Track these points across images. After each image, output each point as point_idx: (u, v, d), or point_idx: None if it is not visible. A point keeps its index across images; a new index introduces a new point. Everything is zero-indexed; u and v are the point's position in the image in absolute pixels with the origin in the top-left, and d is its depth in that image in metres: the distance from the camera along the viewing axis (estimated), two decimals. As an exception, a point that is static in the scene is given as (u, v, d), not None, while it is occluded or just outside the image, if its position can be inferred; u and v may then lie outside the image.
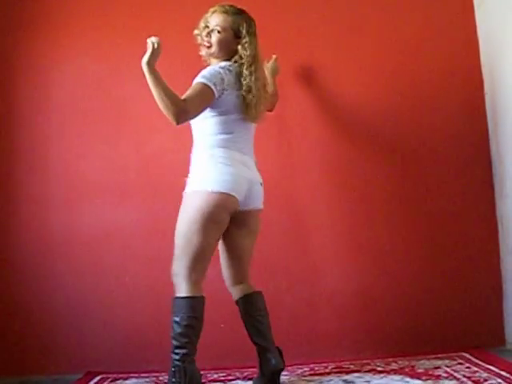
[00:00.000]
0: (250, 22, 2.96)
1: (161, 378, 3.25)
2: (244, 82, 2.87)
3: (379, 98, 3.67)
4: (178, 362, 2.72)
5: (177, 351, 2.73)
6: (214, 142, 2.87)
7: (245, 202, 2.89)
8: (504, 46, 3.46)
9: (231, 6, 2.96)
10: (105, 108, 3.63)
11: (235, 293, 3.00)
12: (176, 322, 2.75)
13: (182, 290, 2.78)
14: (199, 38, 2.98)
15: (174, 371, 2.72)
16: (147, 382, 3.21)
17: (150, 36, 2.78)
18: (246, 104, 2.88)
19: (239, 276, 2.99)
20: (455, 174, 3.64)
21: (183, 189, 3.50)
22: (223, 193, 2.78)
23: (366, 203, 3.61)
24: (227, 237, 2.96)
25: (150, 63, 2.71)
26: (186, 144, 3.54)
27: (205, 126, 2.90)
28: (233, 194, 2.81)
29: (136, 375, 3.32)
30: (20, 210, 3.56)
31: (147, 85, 3.55)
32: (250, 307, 2.95)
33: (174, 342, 2.74)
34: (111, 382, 3.23)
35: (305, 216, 3.52)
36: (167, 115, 2.70)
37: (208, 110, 2.84)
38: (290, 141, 3.58)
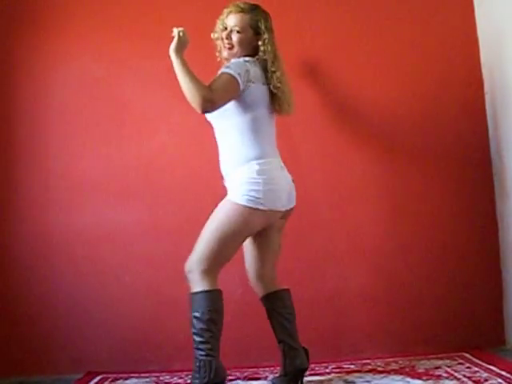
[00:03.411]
0: (266, 16, 2.96)
1: (161, 378, 3.25)
2: (275, 76, 2.88)
3: (378, 97, 3.66)
4: (203, 357, 2.67)
5: (201, 347, 2.68)
6: (256, 148, 2.83)
7: (286, 205, 2.90)
8: (504, 46, 3.46)
9: (245, 3, 2.95)
10: (105, 108, 3.62)
11: (261, 289, 2.96)
12: (196, 318, 2.70)
13: (199, 284, 2.73)
14: (219, 41, 2.98)
15: (198, 366, 2.67)
16: (147, 382, 3.21)
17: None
18: (278, 98, 2.89)
19: (266, 271, 2.96)
20: (455, 174, 3.64)
21: (183, 189, 3.54)
22: (275, 210, 2.81)
23: (364, 203, 3.60)
24: (262, 235, 2.93)
25: (177, 51, 2.73)
26: (186, 144, 3.58)
27: (238, 124, 2.85)
28: (283, 209, 2.85)
29: (136, 375, 3.32)
30: (20, 210, 3.56)
31: (147, 85, 3.60)
32: (278, 305, 2.92)
33: (197, 338, 2.69)
34: (111, 381, 3.23)
35: (304, 216, 3.52)
36: (192, 104, 2.69)
37: (234, 104, 2.81)
38: (292, 141, 3.58)
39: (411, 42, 3.69)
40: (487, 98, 3.65)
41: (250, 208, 2.75)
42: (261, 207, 2.76)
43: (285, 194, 2.86)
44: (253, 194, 2.76)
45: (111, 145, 3.61)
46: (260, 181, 2.78)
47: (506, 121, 3.47)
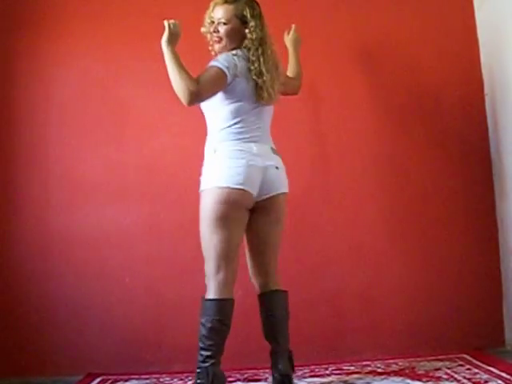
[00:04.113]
0: (252, 4, 2.92)
1: (161, 380, 3.26)
2: (252, 67, 2.84)
3: (377, 97, 3.67)
4: (201, 364, 2.70)
5: (201, 353, 2.71)
6: (221, 136, 2.83)
7: (262, 191, 2.83)
8: (504, 47, 3.45)
9: None
10: (105, 109, 3.62)
11: (256, 287, 2.94)
12: (202, 324, 2.72)
13: (210, 291, 2.74)
14: (208, 35, 2.96)
15: (198, 372, 2.71)
16: (147, 383, 3.21)
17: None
18: (258, 87, 2.85)
19: (262, 268, 2.93)
20: (455, 174, 3.64)
21: (184, 190, 3.53)
22: (232, 188, 2.74)
23: (365, 204, 3.61)
24: (250, 226, 2.90)
25: (168, 42, 2.75)
26: (186, 144, 3.57)
27: (215, 117, 2.87)
28: (243, 187, 2.75)
29: (136, 376, 3.32)
30: (20, 211, 3.56)
31: (147, 86, 3.60)
32: (266, 305, 2.89)
33: (200, 343, 2.72)
34: (112, 383, 3.24)
35: (304, 217, 3.52)
36: (179, 95, 2.70)
37: (220, 97, 2.82)
38: (292, 140, 3.57)
39: (411, 43, 3.69)
40: (487, 98, 3.65)
41: (209, 189, 2.77)
42: (216, 184, 2.75)
43: (250, 177, 2.77)
44: (207, 175, 2.81)
45: (111, 145, 3.61)
46: (212, 161, 2.81)
47: (506, 121, 3.47)
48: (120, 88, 3.63)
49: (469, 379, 2.88)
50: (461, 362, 3.21)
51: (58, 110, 3.63)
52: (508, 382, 2.78)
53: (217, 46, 2.94)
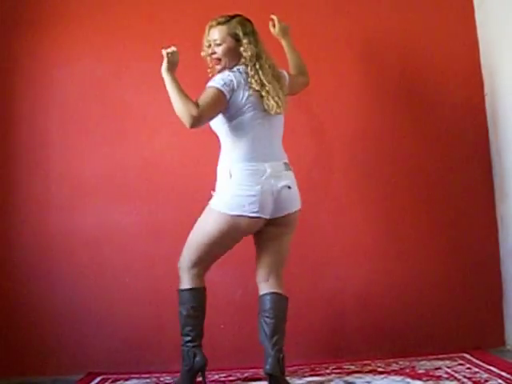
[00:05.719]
0: (244, 22, 3.00)
1: (161, 379, 3.25)
2: (253, 80, 2.91)
3: (377, 98, 3.67)
4: (184, 347, 2.95)
5: (184, 338, 2.95)
6: (234, 155, 2.91)
7: (276, 212, 2.92)
8: (504, 47, 3.46)
9: (222, 16, 3.00)
10: (106, 109, 3.62)
11: (259, 289, 3.02)
12: (180, 313, 2.97)
13: (183, 282, 2.98)
14: (208, 58, 3.03)
15: (182, 355, 2.95)
16: (148, 382, 3.21)
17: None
18: (264, 98, 2.91)
19: (266, 273, 3.00)
20: (455, 174, 3.65)
21: (184, 190, 3.54)
22: (243, 216, 2.85)
23: (365, 203, 3.61)
24: (261, 234, 2.99)
25: (167, 70, 2.85)
26: (186, 145, 3.57)
27: (224, 133, 2.95)
28: (258, 215, 2.86)
29: (137, 376, 3.32)
30: (20, 210, 3.56)
31: (147, 86, 3.61)
32: (262, 306, 2.96)
33: (181, 330, 2.96)
34: (112, 382, 3.23)
35: (304, 217, 3.51)
36: (181, 119, 2.80)
37: (224, 113, 2.89)
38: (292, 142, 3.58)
39: (411, 43, 3.70)
40: (487, 98, 3.66)
41: (220, 212, 2.88)
42: (228, 212, 2.86)
43: (263, 203, 2.86)
44: (222, 197, 2.90)
45: (112, 145, 3.61)
46: (228, 185, 2.90)
47: (506, 121, 3.48)
48: (121, 88, 3.64)
49: (469, 378, 2.88)
50: (461, 361, 3.21)
51: (59, 110, 3.63)
52: (508, 381, 2.78)
53: (217, 67, 3.01)
